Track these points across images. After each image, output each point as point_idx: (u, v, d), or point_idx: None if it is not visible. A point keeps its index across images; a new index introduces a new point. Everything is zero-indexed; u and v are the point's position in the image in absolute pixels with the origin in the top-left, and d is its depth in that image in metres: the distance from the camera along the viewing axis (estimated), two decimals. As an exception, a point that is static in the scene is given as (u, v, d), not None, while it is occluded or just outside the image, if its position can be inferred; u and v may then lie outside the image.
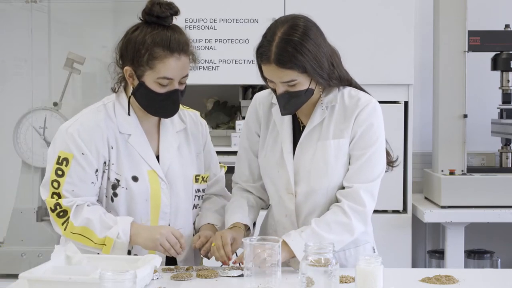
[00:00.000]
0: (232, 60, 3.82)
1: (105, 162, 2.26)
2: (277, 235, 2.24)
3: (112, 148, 2.27)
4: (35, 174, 4.34)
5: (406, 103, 3.81)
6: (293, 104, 2.23)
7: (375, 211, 3.78)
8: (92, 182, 2.25)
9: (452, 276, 2.11)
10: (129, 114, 2.30)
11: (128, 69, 2.25)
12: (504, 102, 3.96)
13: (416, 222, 3.90)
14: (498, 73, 4.00)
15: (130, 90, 2.28)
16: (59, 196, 2.23)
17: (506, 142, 4.01)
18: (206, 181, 2.43)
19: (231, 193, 2.50)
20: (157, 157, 2.33)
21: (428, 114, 4.17)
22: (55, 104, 4.34)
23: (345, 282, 2.07)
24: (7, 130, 4.48)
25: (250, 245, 1.95)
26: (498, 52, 3.92)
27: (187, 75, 2.27)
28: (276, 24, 2.22)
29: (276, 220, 2.37)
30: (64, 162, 2.23)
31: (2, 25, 4.67)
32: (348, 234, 2.22)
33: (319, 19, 3.96)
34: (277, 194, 2.33)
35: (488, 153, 4.19)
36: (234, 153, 3.94)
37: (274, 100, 2.32)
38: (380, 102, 3.82)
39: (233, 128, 3.93)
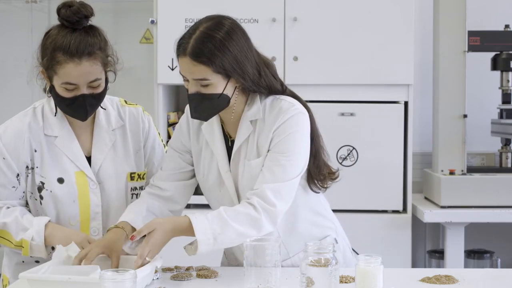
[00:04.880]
0: (232, 60, 3.82)
1: (27, 167, 2.26)
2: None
3: (35, 151, 2.26)
4: (35, 174, 4.34)
5: (406, 103, 3.81)
6: (204, 108, 2.14)
7: (375, 211, 3.83)
8: (13, 187, 2.26)
9: (452, 276, 2.11)
10: (55, 115, 2.29)
11: (43, 71, 2.23)
12: (504, 102, 3.96)
13: (416, 222, 3.90)
14: (498, 73, 4.00)
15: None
16: None
17: (506, 142, 4.01)
18: (143, 178, 2.38)
19: None
20: (90, 158, 2.31)
21: (428, 114, 4.17)
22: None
23: (345, 282, 2.07)
24: (7, 130, 4.47)
25: (250, 245, 1.95)
26: (498, 52, 3.92)
27: (96, 80, 2.17)
28: (201, 20, 2.19)
29: None
30: None
31: (2, 25, 4.68)
32: (254, 230, 2.08)
33: (319, 19, 3.97)
34: None
35: (488, 153, 4.19)
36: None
37: None
38: (380, 102, 3.87)
39: (233, 128, 3.93)
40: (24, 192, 2.28)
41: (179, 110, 4.17)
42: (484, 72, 4.10)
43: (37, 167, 2.26)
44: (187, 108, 2.31)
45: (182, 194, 2.33)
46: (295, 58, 3.76)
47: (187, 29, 2.18)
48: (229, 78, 2.13)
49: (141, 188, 2.38)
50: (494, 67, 3.96)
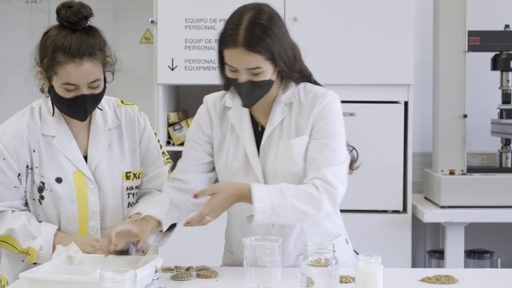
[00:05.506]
0: (232, 60, 3.82)
1: (27, 166, 2.26)
2: (244, 233, 2.20)
3: (34, 151, 2.26)
4: (35, 174, 4.34)
5: (406, 103, 3.81)
6: (254, 95, 2.18)
7: (375, 211, 3.83)
8: (15, 187, 2.26)
9: (452, 276, 2.11)
10: (52, 115, 2.29)
11: (42, 72, 2.23)
12: (504, 102, 3.95)
13: (416, 222, 3.90)
14: (498, 73, 4.00)
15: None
16: None
17: (506, 142, 4.01)
18: (139, 178, 2.38)
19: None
20: (87, 157, 2.31)
21: (428, 114, 4.17)
22: (55, 104, 4.34)
23: (345, 282, 2.07)
24: (7, 130, 4.47)
25: (250, 245, 1.95)
26: (498, 52, 3.92)
27: (96, 80, 2.18)
28: (241, 10, 2.19)
29: (246, 225, 2.21)
30: None
31: (2, 25, 4.68)
32: (313, 208, 2.11)
33: (319, 19, 3.97)
34: None
35: (488, 153, 4.19)
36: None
37: (228, 104, 2.29)
38: (380, 102, 3.87)
39: (233, 128, 3.93)
40: (25, 192, 2.29)
41: (179, 110, 4.17)
42: (484, 72, 4.10)
43: (36, 167, 2.26)
44: (208, 98, 2.36)
45: (203, 186, 2.29)
46: (295, 58, 3.76)
47: (228, 21, 2.19)
48: (276, 63, 2.16)
49: (137, 187, 2.38)
50: (494, 67, 3.96)
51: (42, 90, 2.33)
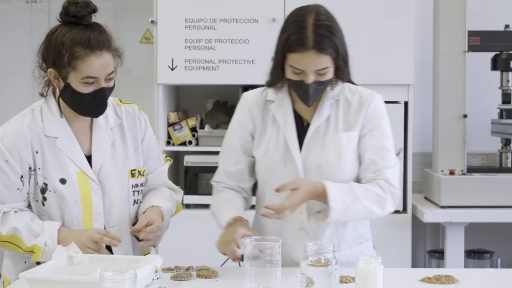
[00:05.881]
0: (232, 60, 3.82)
1: (30, 168, 2.25)
2: (280, 234, 2.24)
3: (37, 153, 2.25)
4: (35, 174, 4.34)
5: (406, 103, 3.82)
6: (317, 95, 2.25)
7: (375, 211, 3.82)
8: (18, 189, 2.25)
9: (452, 276, 2.11)
10: (61, 117, 2.28)
11: (52, 72, 2.22)
12: (504, 102, 3.95)
13: (416, 222, 3.90)
14: (498, 73, 4.00)
15: (58, 92, 2.27)
16: None
17: (506, 142, 4.01)
18: (143, 175, 2.39)
19: (212, 193, 2.44)
20: (90, 157, 2.31)
21: (428, 114, 4.17)
22: (55, 104, 4.34)
23: (345, 282, 2.07)
24: (7, 130, 4.47)
25: (250, 245, 1.95)
26: (498, 52, 3.92)
27: (112, 72, 2.23)
28: (300, 13, 2.22)
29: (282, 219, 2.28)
30: None
31: (2, 25, 4.68)
32: (379, 207, 2.25)
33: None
34: (284, 192, 2.27)
35: (488, 153, 4.19)
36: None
37: (270, 97, 2.34)
38: (380, 102, 3.85)
39: (233, 128, 3.92)
40: (27, 193, 2.28)
41: (179, 110, 4.17)
42: (484, 72, 4.10)
43: (39, 169, 2.25)
44: (246, 95, 2.42)
45: (251, 188, 2.42)
46: (295, 58, 3.76)
47: (290, 25, 2.22)
48: (337, 62, 2.23)
49: (142, 185, 2.38)
50: (494, 67, 3.96)
51: (42, 94, 2.33)
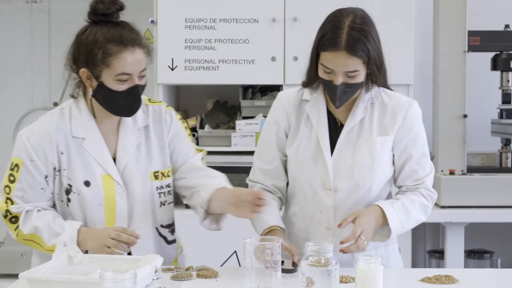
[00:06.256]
0: (232, 60, 3.82)
1: (55, 168, 2.25)
2: (307, 232, 2.29)
3: (62, 153, 2.25)
4: (35, 174, 4.34)
5: (406, 103, 3.81)
6: (346, 97, 2.26)
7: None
8: (42, 188, 2.25)
9: (452, 276, 2.11)
10: (94, 117, 2.28)
11: (84, 71, 2.22)
12: (504, 102, 3.96)
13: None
14: (498, 73, 4.00)
15: (90, 92, 2.26)
16: (11, 202, 2.24)
17: (506, 142, 4.01)
18: (168, 176, 2.35)
19: None
20: (115, 158, 2.29)
21: (428, 114, 4.16)
22: (55, 104, 4.34)
23: (345, 282, 2.07)
24: (7, 130, 4.48)
25: (250, 245, 1.95)
26: (498, 52, 3.92)
27: (145, 69, 2.22)
28: (339, 14, 2.25)
29: (307, 217, 2.33)
30: (16, 168, 2.25)
31: (2, 25, 4.68)
32: (424, 215, 2.33)
33: (319, 19, 3.96)
34: (312, 190, 2.31)
35: (488, 153, 4.19)
36: (234, 153, 3.96)
37: (306, 97, 2.36)
38: (380, 102, 3.85)
39: (233, 128, 3.93)
40: (52, 193, 2.27)
41: (179, 110, 4.16)
42: (484, 72, 4.10)
43: (64, 170, 2.25)
44: (282, 94, 2.44)
45: (286, 187, 2.43)
46: (295, 58, 3.77)
47: (327, 25, 2.25)
48: (369, 67, 2.24)
49: (168, 186, 2.35)
50: (494, 67, 3.96)
51: (73, 95, 2.31)
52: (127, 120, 2.31)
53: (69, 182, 2.25)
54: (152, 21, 3.82)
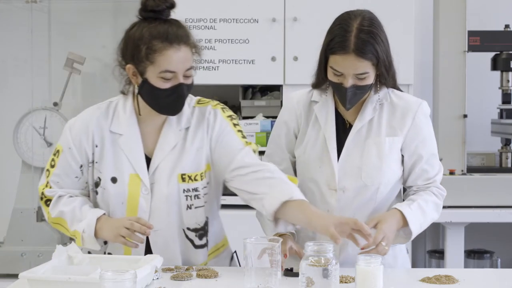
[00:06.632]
0: (232, 60, 3.83)
1: (89, 159, 2.27)
2: (314, 232, 2.28)
3: (96, 146, 2.26)
4: (35, 174, 4.34)
5: (406, 103, 3.81)
6: (356, 99, 2.27)
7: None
8: (77, 177, 2.28)
9: (452, 276, 2.11)
10: (139, 114, 2.27)
11: (130, 67, 2.21)
12: (504, 102, 3.96)
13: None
14: (498, 73, 4.00)
15: (136, 89, 2.25)
16: (48, 185, 2.29)
17: (506, 142, 4.01)
18: (196, 180, 2.27)
19: None
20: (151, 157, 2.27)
21: (428, 114, 4.17)
22: (55, 104, 4.34)
23: (345, 282, 2.07)
24: (7, 130, 4.48)
25: (250, 245, 1.95)
26: (498, 52, 3.93)
27: (191, 68, 2.20)
28: (346, 17, 2.26)
29: None
30: (57, 154, 2.29)
31: (2, 25, 4.67)
32: (437, 214, 2.36)
33: (319, 19, 3.96)
34: (318, 190, 2.32)
35: (488, 153, 4.19)
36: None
37: (315, 98, 2.37)
38: (380, 102, 3.85)
39: (233, 128, 3.92)
40: (86, 183, 2.30)
41: (179, 110, 4.17)
42: (484, 72, 4.10)
43: (96, 162, 2.26)
44: (292, 95, 2.44)
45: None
46: (295, 58, 3.77)
47: (335, 28, 2.25)
48: (378, 68, 2.25)
49: (195, 190, 2.27)
50: (494, 67, 3.97)
51: (123, 92, 2.30)
52: (172, 120, 2.28)
53: (99, 175, 2.26)
54: (152, 21, 3.81)
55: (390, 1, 3.78)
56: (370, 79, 2.24)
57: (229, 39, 3.83)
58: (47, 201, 2.29)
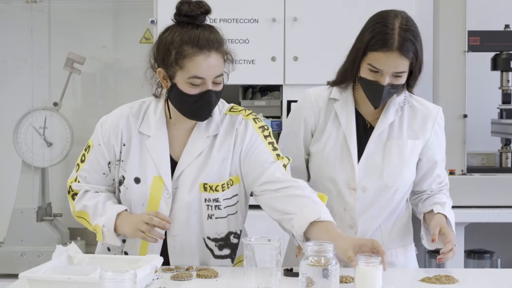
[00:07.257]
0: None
1: (116, 157, 2.28)
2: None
3: (124, 145, 2.26)
4: (35, 174, 4.35)
5: (406, 103, 3.81)
6: (388, 97, 2.29)
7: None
8: (104, 173, 2.29)
9: (452, 276, 2.11)
10: (170, 117, 2.27)
11: (161, 71, 2.21)
12: (504, 102, 3.96)
13: (416, 222, 3.89)
14: (498, 73, 4.00)
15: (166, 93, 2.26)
16: (77, 180, 2.32)
17: (506, 142, 4.01)
18: (217, 190, 2.24)
19: None
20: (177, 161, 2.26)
21: (428, 114, 4.17)
22: (55, 104, 4.34)
23: (345, 282, 2.07)
24: (7, 130, 4.49)
25: (250, 245, 1.95)
26: (498, 52, 3.92)
27: (221, 75, 2.19)
28: (388, 15, 2.27)
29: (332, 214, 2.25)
30: (88, 149, 2.32)
31: (2, 25, 4.68)
32: (452, 212, 2.38)
33: (319, 19, 3.96)
34: (336, 188, 2.33)
35: (488, 153, 4.19)
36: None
37: (334, 95, 2.37)
38: (380, 102, 3.84)
39: (233, 128, 3.92)
40: (114, 180, 2.30)
41: (179, 110, 4.16)
42: (484, 72, 4.10)
43: (122, 161, 2.27)
44: (310, 91, 2.43)
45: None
46: (295, 58, 3.77)
47: (377, 25, 2.27)
48: (412, 69, 2.28)
49: (215, 200, 2.25)
50: (494, 67, 3.97)
51: (155, 95, 2.31)
52: (201, 126, 2.27)
53: (124, 174, 2.26)
54: (152, 21, 3.82)
55: (390, 1, 3.77)
56: (404, 79, 2.26)
57: (229, 39, 3.80)
58: (74, 195, 2.31)
